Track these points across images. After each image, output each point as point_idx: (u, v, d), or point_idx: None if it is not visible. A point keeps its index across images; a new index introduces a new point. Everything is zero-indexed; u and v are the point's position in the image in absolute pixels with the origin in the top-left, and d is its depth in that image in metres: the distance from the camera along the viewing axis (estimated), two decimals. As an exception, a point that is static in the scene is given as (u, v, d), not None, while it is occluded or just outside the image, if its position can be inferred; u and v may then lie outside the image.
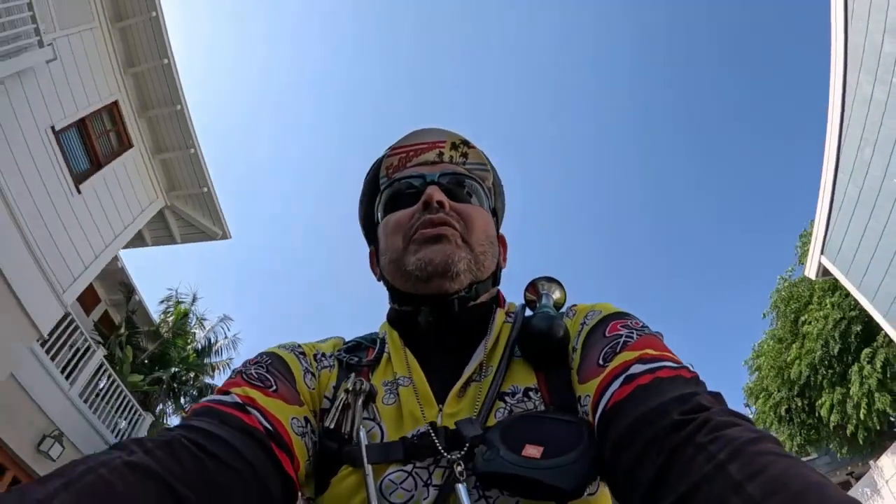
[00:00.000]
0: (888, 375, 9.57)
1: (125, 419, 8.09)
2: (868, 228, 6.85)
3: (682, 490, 0.38)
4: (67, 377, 6.62)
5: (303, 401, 0.61)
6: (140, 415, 8.43)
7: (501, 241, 0.80)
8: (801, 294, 12.23)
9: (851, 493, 8.56)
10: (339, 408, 0.59)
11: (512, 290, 0.77)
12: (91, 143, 6.84)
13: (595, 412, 0.50)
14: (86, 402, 6.96)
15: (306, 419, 0.59)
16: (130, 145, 7.44)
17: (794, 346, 12.01)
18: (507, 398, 0.58)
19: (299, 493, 0.56)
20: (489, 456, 0.48)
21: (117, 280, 10.01)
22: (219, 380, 11.72)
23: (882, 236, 6.62)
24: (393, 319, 0.73)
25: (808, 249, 8.47)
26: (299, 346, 0.70)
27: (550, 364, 0.61)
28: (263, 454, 0.50)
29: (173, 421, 10.99)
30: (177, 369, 10.82)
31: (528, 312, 0.69)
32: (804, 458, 10.82)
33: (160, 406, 10.76)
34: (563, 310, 0.71)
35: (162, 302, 11.39)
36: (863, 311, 8.55)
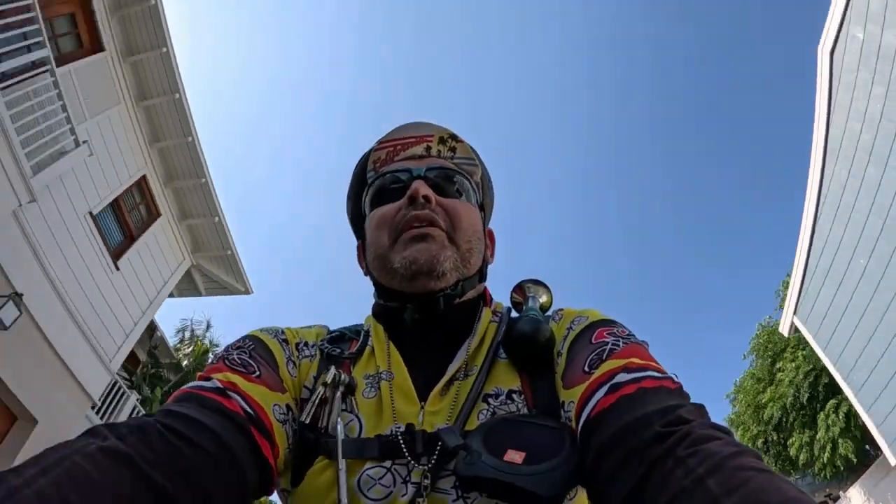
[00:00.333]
0: (852, 425, 10.37)
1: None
2: (836, 298, 7.61)
3: (660, 503, 0.38)
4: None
5: (285, 388, 0.60)
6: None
7: (489, 236, 0.80)
8: (777, 342, 13.15)
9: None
10: (316, 402, 0.57)
11: (502, 289, 0.77)
12: (124, 218, 7.33)
13: (579, 419, 0.50)
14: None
15: (288, 407, 0.58)
16: (159, 214, 7.91)
17: (769, 388, 13.07)
18: (490, 400, 0.58)
19: (275, 484, 0.56)
20: (470, 460, 0.48)
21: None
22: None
23: (847, 309, 7.40)
24: (378, 314, 0.72)
25: (787, 296, 9.22)
26: (282, 332, 0.68)
27: (535, 367, 0.61)
28: (243, 438, 0.49)
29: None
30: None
31: (515, 314, 0.70)
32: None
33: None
34: (550, 313, 0.71)
35: (178, 332, 11.90)
36: (829, 366, 9.39)
